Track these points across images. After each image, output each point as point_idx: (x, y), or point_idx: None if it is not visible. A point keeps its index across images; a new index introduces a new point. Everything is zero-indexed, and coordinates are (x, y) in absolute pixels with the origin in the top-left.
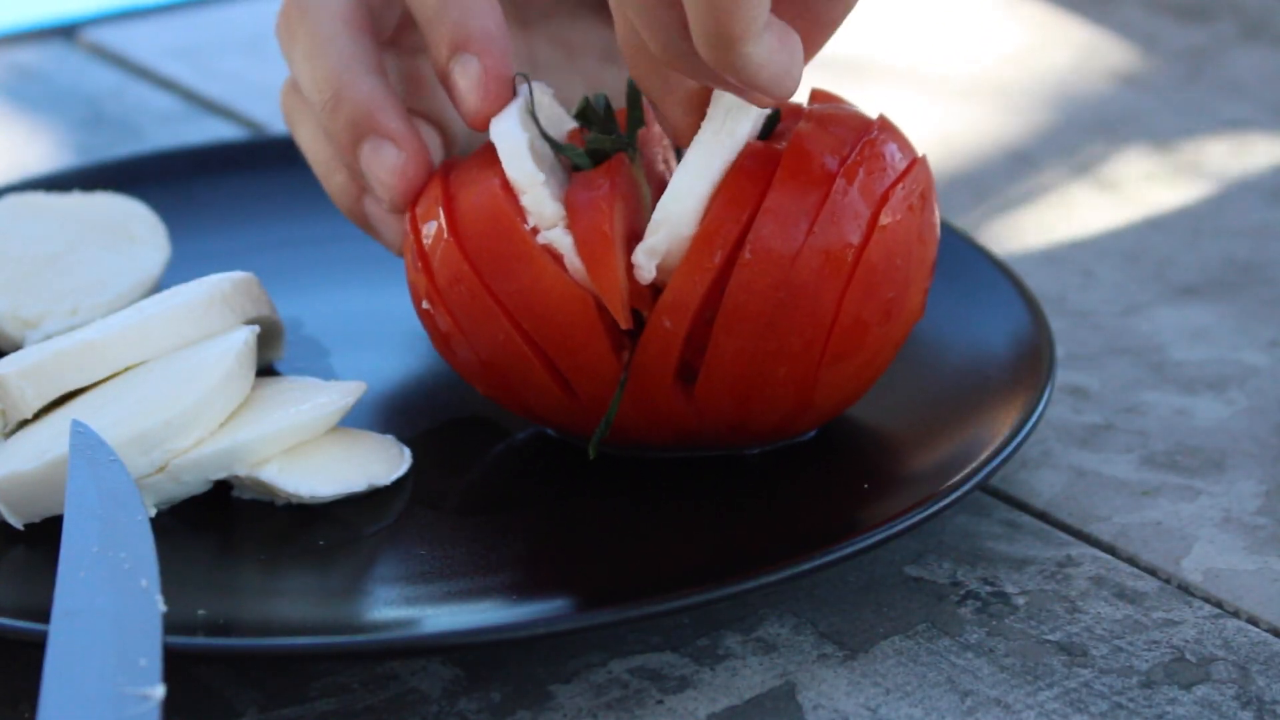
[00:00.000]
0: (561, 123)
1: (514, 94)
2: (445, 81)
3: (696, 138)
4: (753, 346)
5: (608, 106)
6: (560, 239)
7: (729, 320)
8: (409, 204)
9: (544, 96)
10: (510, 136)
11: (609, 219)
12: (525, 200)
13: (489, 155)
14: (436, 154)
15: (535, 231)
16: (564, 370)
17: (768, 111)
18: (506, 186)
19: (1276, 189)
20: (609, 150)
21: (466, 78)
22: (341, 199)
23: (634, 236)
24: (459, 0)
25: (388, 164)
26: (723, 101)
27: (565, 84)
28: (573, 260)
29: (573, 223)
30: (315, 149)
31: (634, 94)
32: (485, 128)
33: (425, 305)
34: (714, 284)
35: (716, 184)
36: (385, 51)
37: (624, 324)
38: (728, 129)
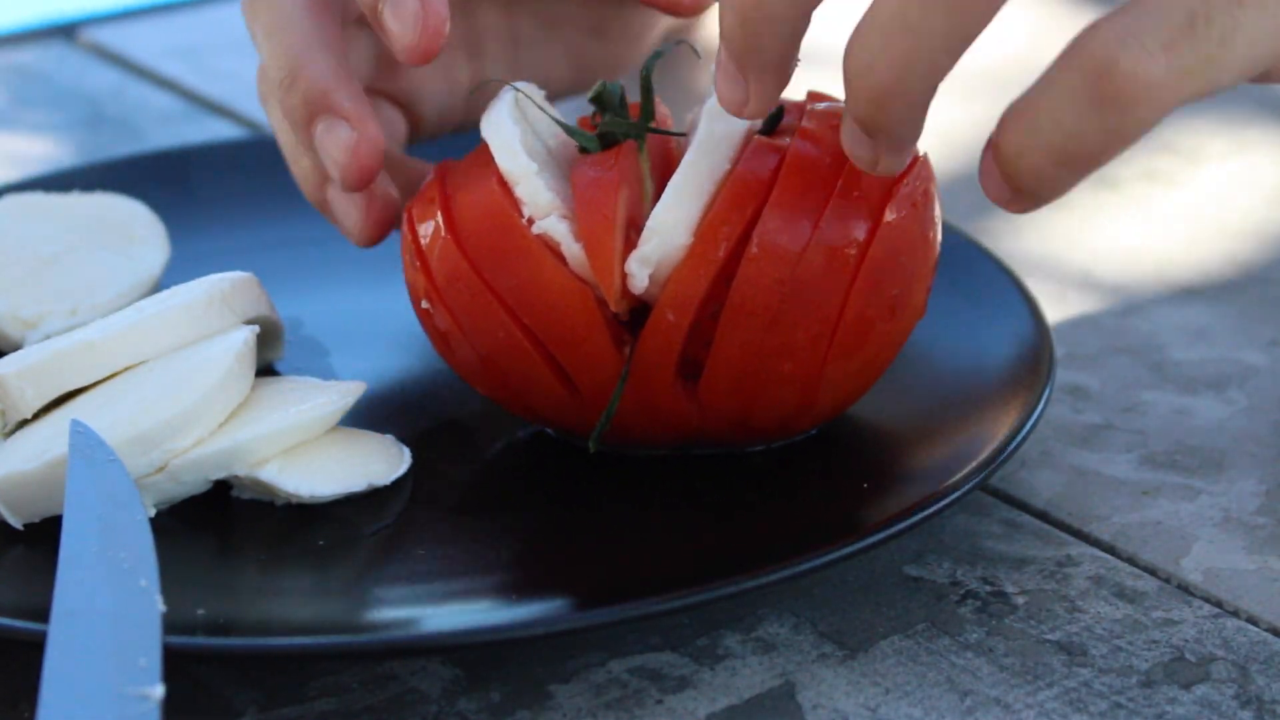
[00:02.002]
0: (552, 124)
1: (445, 36)
2: (377, 21)
3: (690, 149)
4: (757, 341)
5: (622, 96)
6: (556, 226)
7: (734, 315)
8: (362, 183)
9: (536, 96)
10: (502, 130)
11: (613, 200)
12: (520, 190)
13: (484, 155)
14: (402, 135)
15: (531, 222)
16: (565, 365)
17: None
18: (502, 181)
19: (1276, 189)
20: (619, 136)
21: (400, 14)
22: (306, 184)
23: (635, 226)
24: None
25: (340, 142)
26: (716, 110)
27: (549, 59)
28: (570, 247)
29: (576, 201)
30: (283, 132)
31: (647, 87)
32: (423, 61)
33: (424, 305)
34: (717, 277)
35: (712, 194)
36: (356, 31)
37: (614, 306)
38: (722, 136)
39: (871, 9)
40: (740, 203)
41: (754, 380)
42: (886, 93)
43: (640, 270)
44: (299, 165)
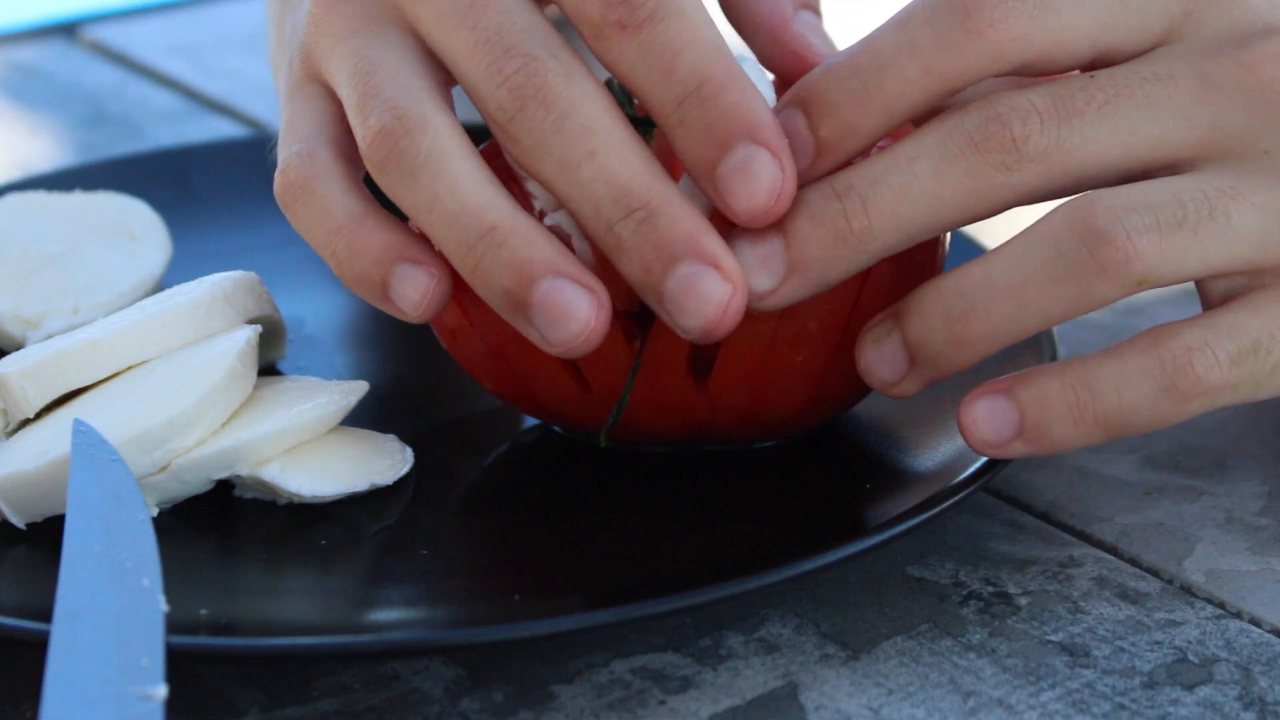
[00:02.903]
0: None
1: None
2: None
3: None
4: (770, 332)
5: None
6: (567, 220)
7: None
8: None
9: None
10: None
11: None
12: (531, 184)
13: (492, 151)
14: None
15: (543, 215)
16: (576, 359)
17: None
18: (511, 175)
19: None
20: None
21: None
22: (366, 259)
23: None
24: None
25: (580, 310)
26: None
27: None
28: (580, 241)
29: None
30: (347, 202)
31: None
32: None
33: None
34: None
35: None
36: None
37: (620, 301)
38: None
39: (990, 262)
40: None
41: (765, 372)
42: (966, 342)
43: None
44: (371, 239)
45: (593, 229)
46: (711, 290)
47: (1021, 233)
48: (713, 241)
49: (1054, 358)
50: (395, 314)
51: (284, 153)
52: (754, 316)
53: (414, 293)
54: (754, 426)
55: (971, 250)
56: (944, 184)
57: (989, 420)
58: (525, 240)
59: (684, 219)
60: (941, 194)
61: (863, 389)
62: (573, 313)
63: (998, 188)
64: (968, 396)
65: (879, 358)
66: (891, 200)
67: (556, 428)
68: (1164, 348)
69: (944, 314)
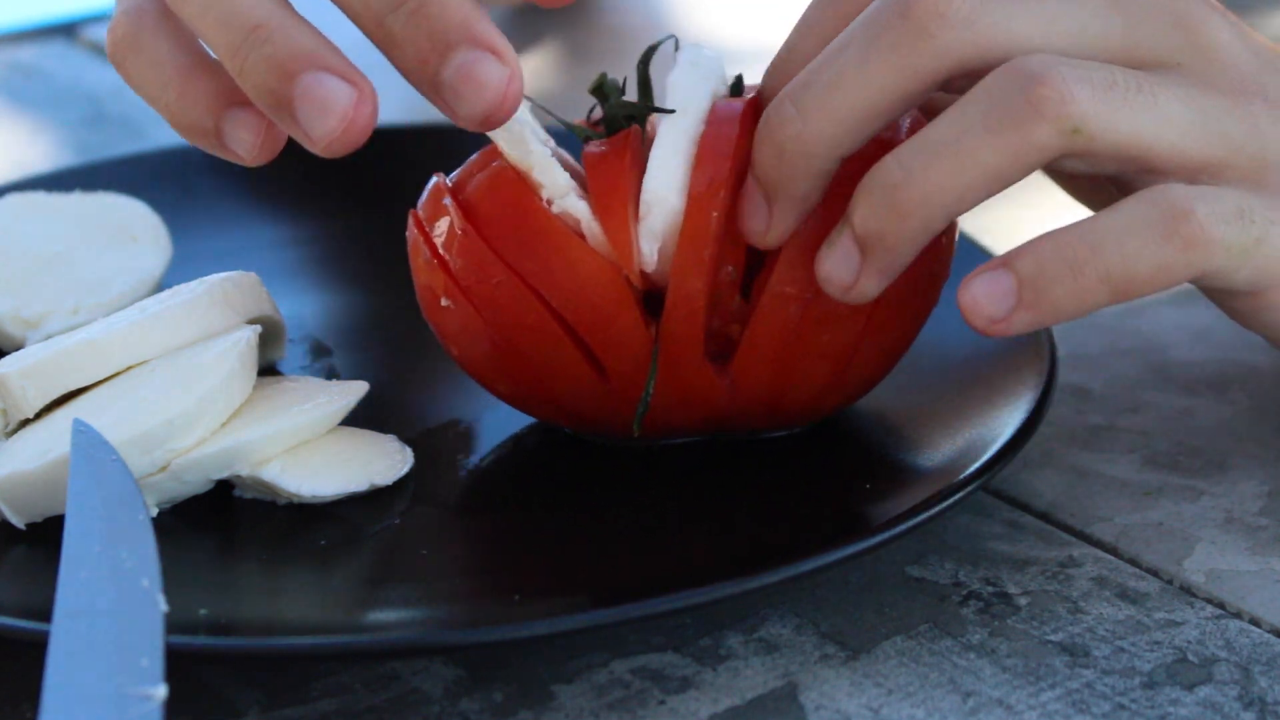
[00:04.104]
0: (543, 132)
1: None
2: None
3: (662, 119)
4: (799, 314)
5: (622, 88)
6: (575, 205)
7: (783, 276)
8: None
9: (525, 105)
10: (508, 124)
11: (623, 169)
12: (536, 175)
13: (488, 154)
14: None
15: (550, 203)
16: (594, 347)
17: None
18: (514, 170)
19: None
20: (623, 120)
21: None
22: (195, 109)
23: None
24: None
25: (337, 100)
26: (682, 79)
27: None
28: (590, 225)
29: (589, 178)
30: (165, 58)
31: (644, 78)
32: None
33: (445, 303)
34: (721, 235)
35: (693, 154)
36: None
37: (635, 279)
38: (693, 100)
39: (923, 131)
40: (718, 149)
41: (792, 351)
42: (908, 210)
43: (649, 245)
44: (202, 86)
45: (364, 24)
46: (490, 75)
47: (957, 100)
48: (487, 27)
49: (1052, 352)
50: (234, 159)
51: (115, 13)
52: (782, 299)
53: (247, 134)
54: (773, 414)
55: (973, 252)
56: (870, 66)
57: (987, 293)
58: (289, 36)
59: (456, 7)
60: (869, 75)
61: (878, 375)
62: (332, 102)
63: (923, 56)
64: (965, 279)
65: (833, 260)
66: (822, 95)
67: (570, 430)
68: (1162, 197)
69: (884, 185)
